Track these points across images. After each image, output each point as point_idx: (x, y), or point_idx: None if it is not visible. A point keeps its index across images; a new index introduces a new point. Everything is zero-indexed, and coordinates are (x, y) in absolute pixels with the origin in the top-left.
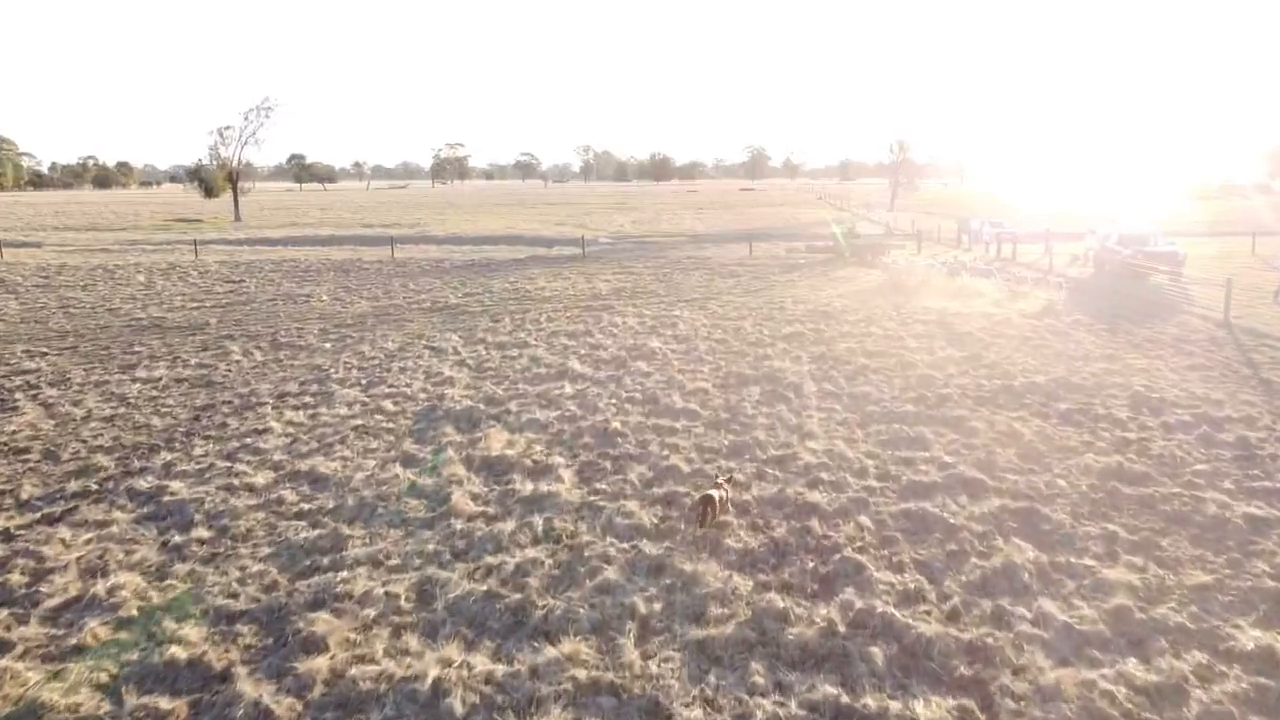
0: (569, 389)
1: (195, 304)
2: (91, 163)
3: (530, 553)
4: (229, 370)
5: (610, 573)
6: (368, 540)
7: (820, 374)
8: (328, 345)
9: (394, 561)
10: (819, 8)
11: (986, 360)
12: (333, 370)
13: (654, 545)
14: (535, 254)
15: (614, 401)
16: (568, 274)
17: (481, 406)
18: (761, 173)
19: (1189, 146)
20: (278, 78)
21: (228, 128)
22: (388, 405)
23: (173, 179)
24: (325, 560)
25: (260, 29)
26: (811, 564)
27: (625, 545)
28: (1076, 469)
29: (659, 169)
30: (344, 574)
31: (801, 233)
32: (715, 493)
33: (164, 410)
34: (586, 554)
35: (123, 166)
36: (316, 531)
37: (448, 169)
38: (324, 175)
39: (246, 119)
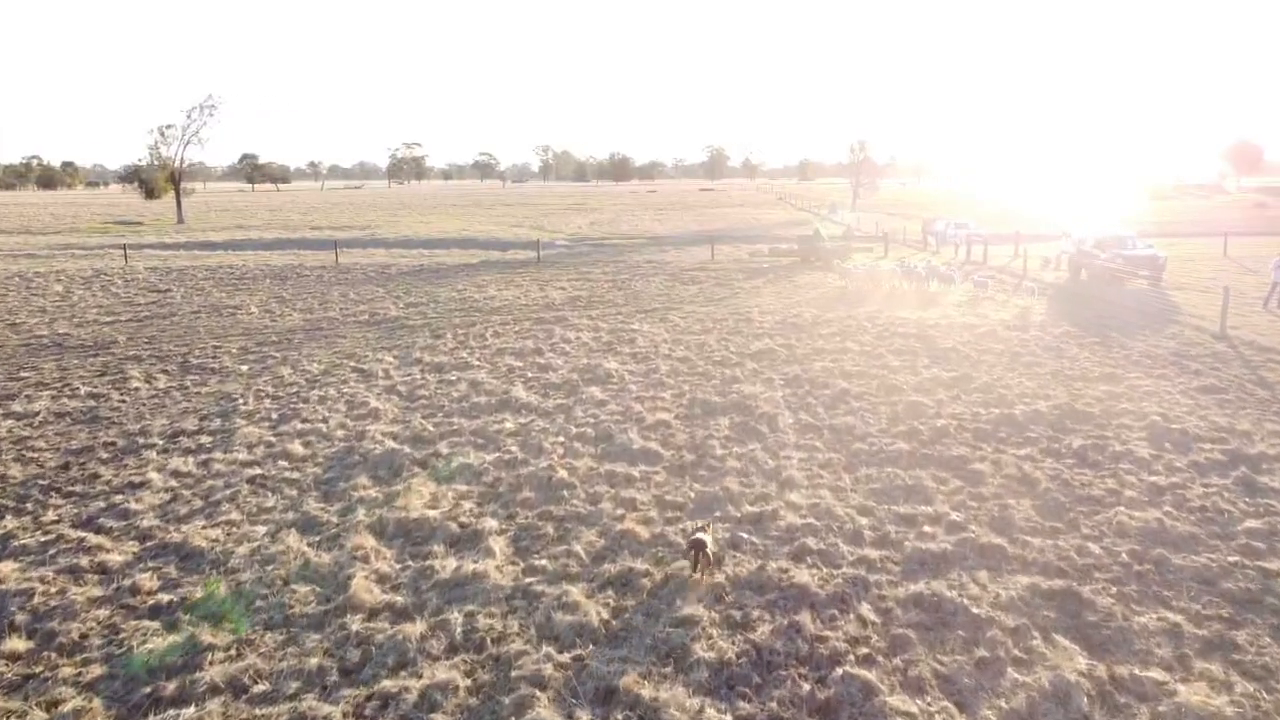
0: (511, 423)
1: (109, 318)
2: (35, 163)
3: (441, 670)
4: (123, 401)
5: (543, 706)
6: (234, 652)
7: (796, 401)
8: (244, 368)
9: (261, 687)
10: (778, 8)
11: (978, 382)
12: (242, 400)
13: (603, 655)
14: (488, 258)
15: (561, 440)
16: (520, 281)
17: (406, 449)
18: (721, 173)
19: (1142, 146)
20: (236, 77)
21: (169, 126)
22: (296, 448)
23: (121, 179)
24: (171, 686)
25: (219, 27)
26: (806, 685)
27: (565, 657)
28: (1110, 529)
29: (618, 169)
30: (189, 711)
31: (763, 234)
32: (706, 536)
33: (30, 456)
34: (515, 672)
35: (68, 166)
36: (170, 639)
37: (404, 169)
38: (277, 176)
39: (189, 117)
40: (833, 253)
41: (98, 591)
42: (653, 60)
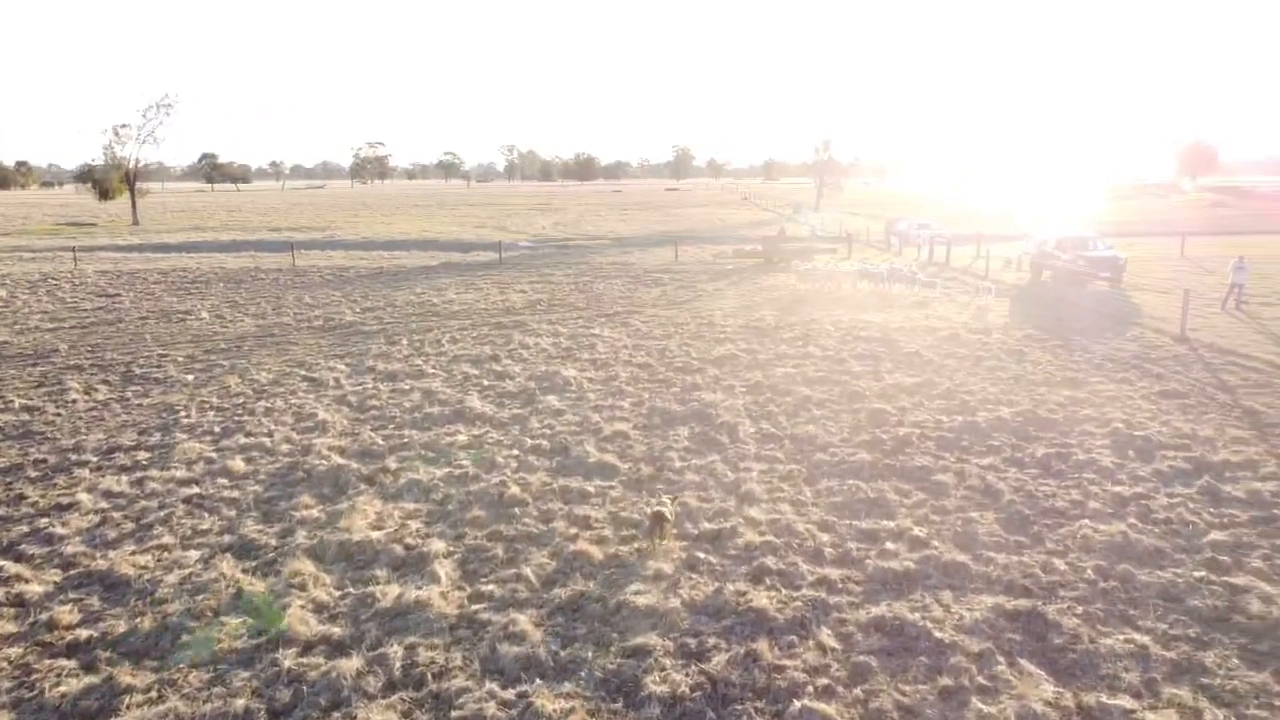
0: (463, 436)
1: (53, 325)
2: None
3: (376, 712)
4: (58, 414)
5: None
6: (154, 694)
7: (757, 409)
8: (189, 378)
9: None
10: (745, 8)
11: (940, 388)
12: (185, 413)
13: (549, 691)
14: (449, 260)
15: (516, 453)
16: (481, 283)
17: (353, 464)
18: (686, 172)
19: (1102, 147)
20: (198, 76)
21: (124, 125)
22: (238, 464)
23: (76, 179)
24: None
25: (181, 25)
26: None
27: (510, 694)
28: (1074, 543)
29: (584, 168)
30: None
31: (727, 235)
32: (667, 509)
33: None
34: (455, 713)
35: (22, 166)
36: (85, 680)
37: (368, 169)
38: (237, 175)
39: (145, 116)
40: (796, 254)
41: (12, 627)
42: (619, 60)
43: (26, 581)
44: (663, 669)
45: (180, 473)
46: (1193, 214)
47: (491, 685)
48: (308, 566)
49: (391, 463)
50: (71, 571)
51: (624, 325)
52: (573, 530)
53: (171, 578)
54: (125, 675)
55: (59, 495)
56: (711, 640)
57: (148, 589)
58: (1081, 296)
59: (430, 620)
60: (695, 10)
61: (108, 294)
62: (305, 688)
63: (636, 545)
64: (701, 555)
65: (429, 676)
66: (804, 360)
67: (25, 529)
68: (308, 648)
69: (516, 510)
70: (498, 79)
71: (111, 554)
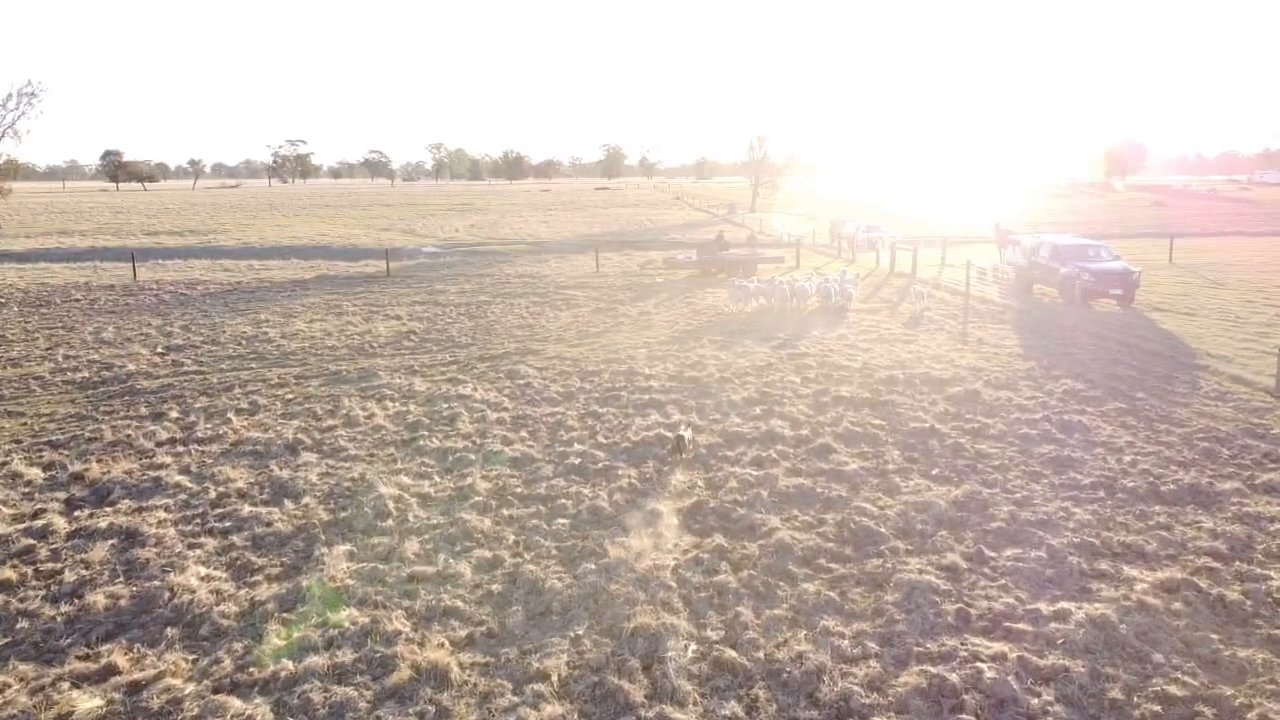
0: (98, 698)
1: None
2: None
3: None
4: None
5: None
6: None
7: (700, 577)
8: None
9: None
10: (674, 4)
11: (999, 513)
12: None
13: None
14: (330, 271)
15: None
16: (349, 305)
17: None
18: (618, 171)
19: (1032, 146)
20: (119, 70)
21: None
22: None
23: None
24: None
25: (106, 17)
26: None
27: None
28: None
29: (513, 167)
30: None
31: (657, 239)
32: (686, 433)
33: None
34: None
35: None
36: None
37: (288, 167)
38: (144, 174)
39: (4, 107)
40: (737, 264)
41: None
42: (551, 57)
43: None
44: None
45: None
46: (1142, 214)
47: None
48: None
49: None
50: None
51: (510, 377)
52: None
53: None
54: None
55: None
56: None
57: None
58: (1095, 321)
59: None
60: (628, 6)
61: None
62: None
63: None
64: None
65: None
66: (768, 447)
67: None
68: None
69: None
70: (427, 76)
71: None
